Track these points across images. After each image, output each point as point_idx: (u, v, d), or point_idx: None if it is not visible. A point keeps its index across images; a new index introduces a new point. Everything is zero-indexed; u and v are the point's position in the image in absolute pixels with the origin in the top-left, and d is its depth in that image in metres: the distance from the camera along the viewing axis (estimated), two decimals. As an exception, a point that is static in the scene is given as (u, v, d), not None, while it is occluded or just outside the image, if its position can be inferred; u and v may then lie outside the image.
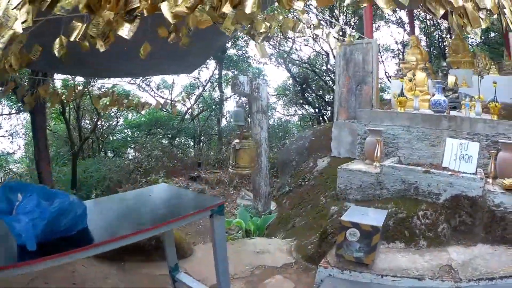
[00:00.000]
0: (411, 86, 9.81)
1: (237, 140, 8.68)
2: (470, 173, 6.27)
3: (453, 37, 14.29)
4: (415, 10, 17.91)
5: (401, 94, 8.36)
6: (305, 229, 7.61)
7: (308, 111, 25.87)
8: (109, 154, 21.89)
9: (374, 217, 5.67)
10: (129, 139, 23.42)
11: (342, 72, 9.60)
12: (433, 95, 8.29)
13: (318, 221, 7.50)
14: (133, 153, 20.71)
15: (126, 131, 23.54)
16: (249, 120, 10.46)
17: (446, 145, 7.05)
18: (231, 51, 22.40)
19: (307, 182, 9.47)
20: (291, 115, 27.47)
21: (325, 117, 24.02)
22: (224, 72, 23.48)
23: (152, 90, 23.43)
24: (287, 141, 22.31)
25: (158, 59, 7.56)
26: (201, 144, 22.46)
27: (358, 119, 8.47)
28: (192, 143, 23.88)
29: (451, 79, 9.47)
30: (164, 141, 21.84)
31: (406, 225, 5.97)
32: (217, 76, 23.46)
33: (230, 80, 20.96)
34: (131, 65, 8.22)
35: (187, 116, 23.99)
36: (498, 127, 6.90)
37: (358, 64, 9.39)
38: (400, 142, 7.81)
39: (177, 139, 23.06)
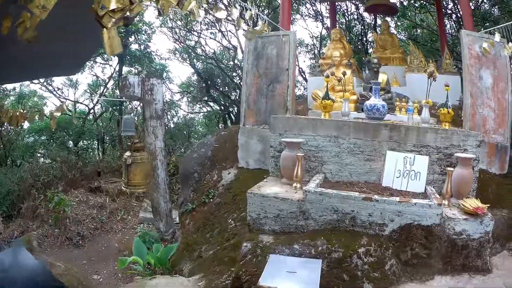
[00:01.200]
0: (333, 86, 8.88)
1: (127, 153, 7.84)
2: (419, 193, 5.86)
3: (381, 32, 13.58)
4: (337, 3, 17.22)
5: (326, 96, 7.14)
6: (214, 261, 6.87)
7: (214, 109, 25.67)
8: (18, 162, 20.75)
9: (305, 275, 4.59)
10: (36, 144, 21.83)
11: (251, 68, 8.51)
12: (361, 97, 7.66)
13: (228, 253, 6.73)
14: (43, 160, 19.54)
15: (33, 135, 22.22)
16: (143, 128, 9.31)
17: (386, 160, 6.21)
18: (134, 46, 21.25)
19: (211, 199, 8.49)
20: (196, 112, 27.17)
21: (231, 115, 23.78)
22: (127, 69, 22.26)
23: (55, 90, 22.43)
24: (192, 140, 22.13)
25: (27, 62, 6.02)
26: (102, 149, 21.86)
27: (271, 128, 7.10)
28: (96, 147, 23.10)
29: (382, 78, 8.61)
30: (69, 145, 20.86)
31: (345, 267, 5.11)
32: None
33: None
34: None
35: (90, 117, 22.97)
36: (453, 138, 6.20)
37: (271, 59, 8.31)
38: (325, 156, 6.59)
39: (81, 142, 22.21)
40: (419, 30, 21.94)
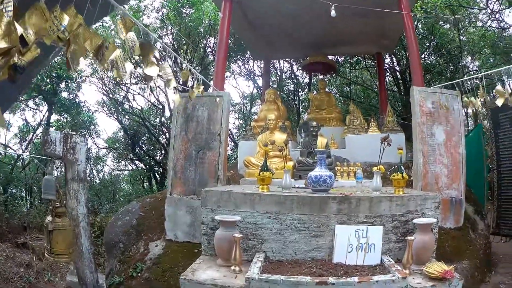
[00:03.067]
0: (262, 152, 8.38)
1: (49, 218, 6.87)
2: (375, 265, 5.38)
3: (317, 91, 13.29)
4: (272, 61, 17.34)
5: (265, 168, 6.49)
6: None
7: (139, 167, 25.31)
8: None
9: None
10: None
11: (180, 132, 8.05)
12: (299, 164, 7.40)
13: None
14: None
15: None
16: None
17: (336, 235, 5.61)
18: (64, 94, 20.44)
19: (139, 274, 7.92)
20: (122, 170, 26.83)
21: (156, 174, 23.52)
22: (56, 117, 21.86)
23: None
24: (118, 197, 22.03)
25: None
26: (30, 201, 21.01)
27: (202, 202, 6.33)
28: (24, 196, 22.15)
29: (321, 141, 8.52)
30: None
31: None
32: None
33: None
34: None
35: (19, 163, 22.06)
36: (409, 204, 5.82)
37: (202, 123, 7.97)
38: (265, 234, 5.78)
39: (9, 190, 20.88)
40: (352, 87, 21.94)
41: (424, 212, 5.83)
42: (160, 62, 4.80)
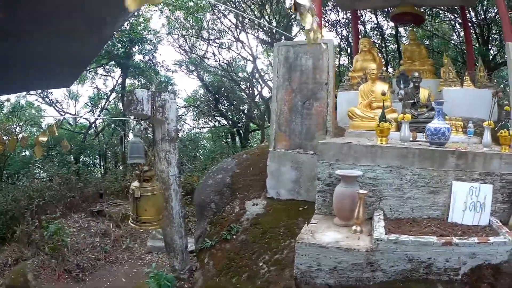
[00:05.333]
0: (370, 102, 8.32)
1: (136, 184, 6.35)
2: (484, 226, 5.31)
3: (408, 42, 13.07)
4: (359, 11, 16.79)
5: (383, 118, 6.22)
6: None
7: (221, 123, 24.82)
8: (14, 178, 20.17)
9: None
10: (33, 159, 20.59)
11: (283, 83, 7.72)
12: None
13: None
14: (41, 177, 18.38)
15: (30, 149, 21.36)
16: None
17: (453, 192, 5.52)
18: (138, 57, 20.52)
19: (234, 236, 7.45)
20: (202, 127, 26.60)
21: (240, 130, 23.19)
22: (130, 81, 21.86)
23: (53, 103, 21.51)
24: (198, 154, 21.82)
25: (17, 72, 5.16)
26: (105, 168, 21.26)
27: (319, 156, 6.11)
28: (98, 163, 22.71)
29: (424, 93, 8.15)
30: (70, 161, 20.17)
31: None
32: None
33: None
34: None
35: (92, 131, 22.41)
36: None
37: (307, 72, 7.56)
38: (385, 190, 5.72)
39: (81, 158, 21.49)
40: (434, 40, 21.40)
41: None
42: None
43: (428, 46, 20.33)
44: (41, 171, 18.22)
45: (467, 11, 17.97)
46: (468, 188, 5.45)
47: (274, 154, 7.69)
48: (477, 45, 18.90)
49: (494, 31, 17.96)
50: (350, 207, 5.27)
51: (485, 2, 17.31)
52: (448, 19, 20.18)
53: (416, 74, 8.42)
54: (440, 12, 19.42)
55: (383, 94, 6.89)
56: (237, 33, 20.51)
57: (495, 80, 16.47)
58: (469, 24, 17.60)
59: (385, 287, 4.77)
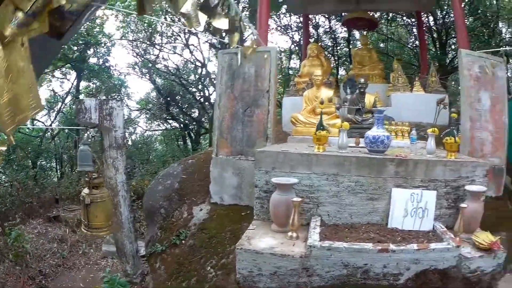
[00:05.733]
0: (313, 108, 8.39)
1: (86, 191, 6.68)
2: (427, 231, 5.40)
3: (359, 47, 12.96)
4: (311, 16, 17.06)
5: (320, 126, 6.24)
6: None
7: (173, 126, 25.42)
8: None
9: None
10: None
11: (225, 90, 7.73)
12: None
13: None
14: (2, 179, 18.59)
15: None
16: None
17: (392, 198, 5.56)
18: (92, 60, 20.77)
19: (183, 241, 7.55)
20: (154, 130, 26.92)
21: (191, 133, 23.70)
22: (85, 83, 22.18)
23: None
24: (150, 157, 22.16)
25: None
26: (61, 172, 21.17)
27: (256, 163, 6.15)
28: (55, 167, 22.60)
29: (370, 99, 8.28)
30: (28, 165, 19.98)
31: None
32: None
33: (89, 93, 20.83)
34: None
35: (48, 135, 22.41)
36: (461, 170, 5.73)
37: (249, 80, 7.57)
38: (322, 197, 5.71)
39: (39, 162, 21.36)
40: (388, 44, 21.77)
41: (474, 179, 5.70)
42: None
43: (383, 50, 20.66)
44: (3, 176, 18.14)
45: (425, 16, 18.34)
46: (409, 194, 5.50)
47: (216, 160, 7.74)
48: (434, 50, 19.21)
49: (452, 36, 18.36)
50: (285, 213, 5.27)
51: (445, 7, 17.61)
52: (404, 23, 20.46)
53: (362, 80, 8.49)
54: (397, 16, 19.69)
55: (321, 102, 6.88)
56: (185, 37, 20.79)
57: (453, 82, 16.74)
58: (425, 29, 17.93)
59: (323, 291, 4.72)
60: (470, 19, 18.50)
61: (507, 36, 19.22)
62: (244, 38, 6.12)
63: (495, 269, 4.95)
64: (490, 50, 8.72)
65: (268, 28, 9.60)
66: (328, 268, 4.71)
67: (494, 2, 17.97)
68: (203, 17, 3.66)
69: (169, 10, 16.96)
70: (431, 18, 18.99)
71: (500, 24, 19.55)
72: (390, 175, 5.62)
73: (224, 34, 4.68)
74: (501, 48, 7.94)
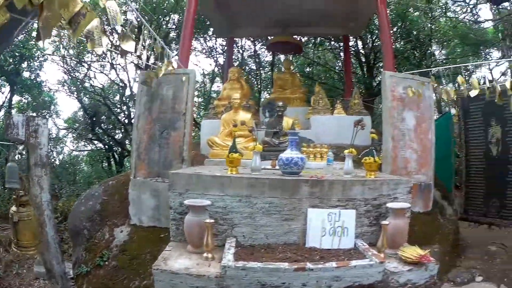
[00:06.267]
0: (230, 131, 8.38)
1: (13, 209, 6.80)
2: (349, 249, 5.43)
3: (281, 71, 13.16)
4: (237, 39, 17.45)
5: (233, 149, 6.28)
6: None
7: (98, 148, 25.03)
8: None
9: None
10: None
11: (143, 112, 7.72)
12: (264, 144, 7.22)
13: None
14: None
15: None
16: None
17: (308, 218, 5.52)
18: (26, 74, 20.08)
19: (106, 262, 7.56)
20: (81, 151, 26.43)
21: (115, 154, 23.39)
22: (18, 98, 21.36)
23: None
24: (77, 177, 21.79)
25: None
26: None
27: (170, 186, 6.06)
28: None
29: (287, 121, 8.52)
30: None
31: None
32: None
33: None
34: None
35: None
36: (382, 188, 5.77)
37: (167, 102, 7.61)
38: (236, 218, 5.63)
39: None
40: (314, 68, 22.18)
41: (397, 196, 5.78)
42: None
43: (308, 74, 20.88)
44: None
45: (354, 40, 18.72)
46: (326, 214, 5.46)
47: (134, 182, 7.69)
48: (361, 73, 19.59)
49: (380, 59, 18.78)
50: (199, 235, 5.21)
51: (376, 31, 18.02)
52: (332, 47, 20.82)
53: (280, 103, 8.65)
54: (325, 40, 19.97)
55: (235, 125, 6.99)
56: (110, 57, 20.57)
57: (380, 104, 17.15)
58: (353, 53, 18.32)
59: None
60: (401, 43, 19.01)
61: (441, 57, 19.82)
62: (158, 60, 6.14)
63: (428, 281, 5.01)
64: (416, 71, 8.99)
65: (190, 50, 9.57)
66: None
67: (429, 25, 18.67)
68: (105, 40, 3.62)
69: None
70: (360, 42, 19.42)
71: (434, 47, 20.17)
72: (305, 196, 5.55)
73: (132, 55, 4.68)
74: (428, 69, 8.18)
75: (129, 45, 4.27)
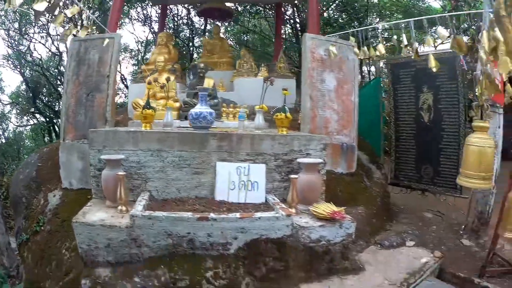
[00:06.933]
0: (154, 93, 8.68)
1: None
2: (259, 203, 5.62)
3: (211, 36, 13.80)
4: (169, 6, 17.26)
5: (147, 105, 6.51)
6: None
7: (40, 121, 24.50)
8: None
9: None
10: None
11: (72, 76, 7.68)
12: (185, 104, 7.84)
13: (70, 289, 5.84)
14: None
15: None
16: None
17: (217, 172, 5.85)
18: None
19: (42, 228, 7.40)
20: (24, 126, 25.96)
21: (56, 127, 22.90)
22: None
23: None
24: (22, 154, 21.68)
25: None
26: None
27: (90, 143, 6.25)
28: None
29: (208, 82, 8.59)
30: None
31: (197, 297, 4.64)
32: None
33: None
34: None
35: None
36: (293, 143, 6.10)
37: (93, 66, 7.56)
38: (149, 172, 5.96)
39: None
40: (249, 36, 22.28)
41: (309, 152, 6.06)
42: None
43: (245, 42, 21.08)
44: None
45: (288, 10, 18.90)
46: (234, 168, 5.76)
47: (64, 145, 7.66)
48: (295, 40, 19.82)
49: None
50: (115, 189, 5.40)
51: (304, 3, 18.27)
52: (267, 15, 20.95)
53: (202, 65, 8.84)
54: (260, 9, 20.11)
55: (149, 83, 7.30)
56: (47, 27, 20.22)
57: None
58: (287, 21, 18.46)
59: (154, 263, 4.91)
60: (337, 14, 19.30)
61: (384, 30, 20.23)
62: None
63: (345, 239, 5.23)
64: (338, 33, 9.23)
65: (119, 17, 9.68)
66: (153, 238, 4.88)
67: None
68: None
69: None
70: (295, 10, 19.60)
71: (377, 19, 20.51)
72: (214, 150, 5.89)
73: (48, 15, 4.88)
74: (350, 30, 8.40)
75: (41, 5, 4.49)
